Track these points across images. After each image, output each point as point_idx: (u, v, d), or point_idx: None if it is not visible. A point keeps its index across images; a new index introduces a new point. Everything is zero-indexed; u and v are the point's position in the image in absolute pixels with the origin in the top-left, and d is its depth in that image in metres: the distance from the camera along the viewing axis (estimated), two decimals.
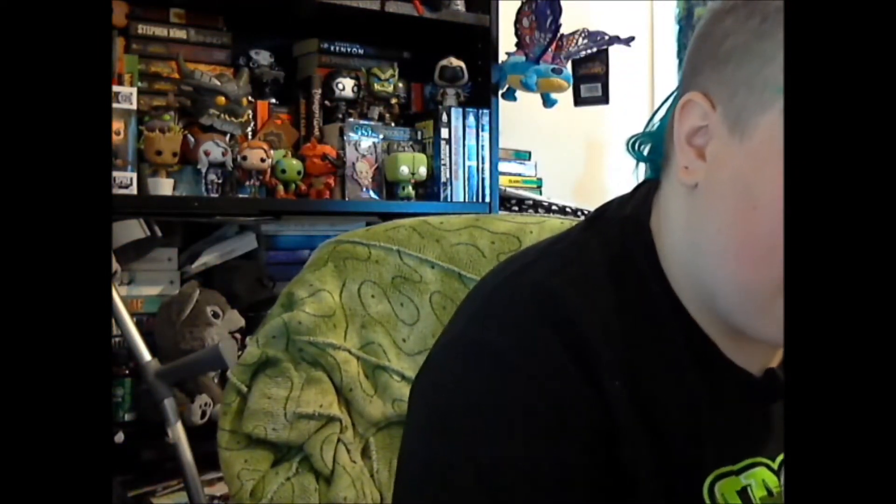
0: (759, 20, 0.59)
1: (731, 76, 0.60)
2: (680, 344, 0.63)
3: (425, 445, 0.61)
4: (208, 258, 1.93)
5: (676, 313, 0.64)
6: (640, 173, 0.73)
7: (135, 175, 1.74)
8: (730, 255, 0.60)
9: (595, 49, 2.21)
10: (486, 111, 2.15)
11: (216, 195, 1.84)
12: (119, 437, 1.67)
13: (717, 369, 0.64)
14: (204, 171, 1.82)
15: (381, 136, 2.06)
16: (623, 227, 0.67)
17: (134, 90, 1.77)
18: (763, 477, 0.63)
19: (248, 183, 1.88)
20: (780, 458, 0.64)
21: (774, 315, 0.58)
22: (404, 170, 2.02)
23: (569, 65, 2.19)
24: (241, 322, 1.86)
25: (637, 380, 0.60)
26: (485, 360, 0.60)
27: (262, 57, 2.01)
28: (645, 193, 0.69)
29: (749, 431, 0.64)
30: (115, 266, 1.77)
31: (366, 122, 2.06)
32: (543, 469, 0.57)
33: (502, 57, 2.20)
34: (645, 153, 0.70)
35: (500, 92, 2.20)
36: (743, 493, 0.62)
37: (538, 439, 0.57)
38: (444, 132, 2.10)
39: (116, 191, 1.71)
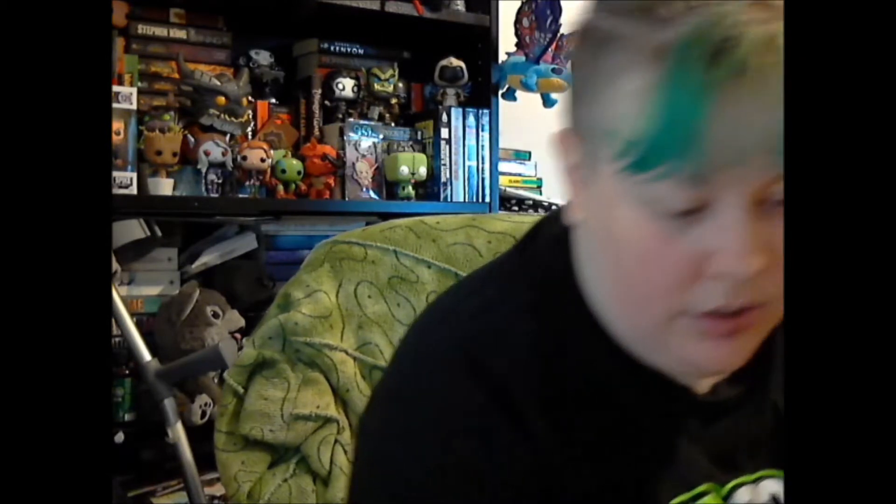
0: (591, 55, 0.56)
1: (581, 116, 0.58)
2: (611, 376, 0.61)
3: (357, 486, 0.63)
4: (208, 258, 1.93)
5: (603, 343, 0.61)
6: None
7: (135, 175, 1.74)
8: (613, 300, 0.60)
9: None
10: (486, 111, 2.15)
11: (216, 195, 1.84)
12: (119, 437, 1.67)
13: (653, 395, 0.62)
14: (204, 171, 1.82)
15: (381, 136, 2.06)
16: (550, 251, 0.65)
17: (134, 90, 1.77)
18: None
19: (248, 183, 1.89)
20: (729, 485, 0.62)
21: (667, 352, 0.58)
22: (404, 170, 2.02)
23: (569, 65, 2.18)
24: (241, 322, 1.86)
25: (566, 422, 0.59)
26: (409, 415, 0.60)
27: (262, 57, 2.01)
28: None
29: (695, 456, 0.61)
30: (115, 266, 1.77)
31: (366, 122, 2.06)
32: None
33: (502, 57, 2.19)
34: None
35: (500, 92, 2.20)
36: None
37: (467, 492, 0.57)
38: (444, 132, 2.10)
39: (116, 191, 1.71)
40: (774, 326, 0.59)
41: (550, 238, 0.67)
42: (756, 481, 0.63)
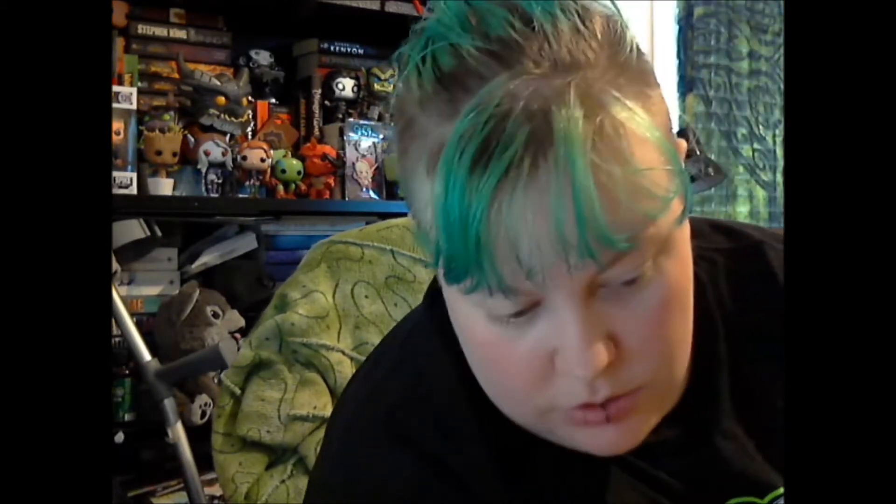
0: (405, 146, 0.50)
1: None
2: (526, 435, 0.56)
3: None
4: (208, 258, 1.93)
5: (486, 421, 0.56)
6: None
7: (135, 175, 1.74)
8: (487, 390, 0.54)
9: None
10: None
11: (216, 195, 1.84)
12: (119, 437, 1.67)
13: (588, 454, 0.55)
14: (204, 171, 1.82)
15: (381, 136, 2.06)
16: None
17: (134, 90, 1.77)
18: None
19: (248, 183, 1.89)
20: None
21: (554, 435, 0.53)
22: None
23: None
24: (241, 322, 1.86)
25: (504, 472, 0.55)
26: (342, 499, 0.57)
27: (262, 57, 2.01)
28: None
29: (644, 495, 0.56)
30: (115, 266, 1.77)
31: (366, 122, 2.06)
32: None
33: None
34: None
35: None
36: None
37: None
38: None
39: (116, 191, 1.71)
40: (707, 368, 0.57)
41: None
42: None
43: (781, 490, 0.57)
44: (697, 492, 0.57)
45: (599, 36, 0.48)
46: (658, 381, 0.52)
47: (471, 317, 0.50)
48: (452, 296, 0.51)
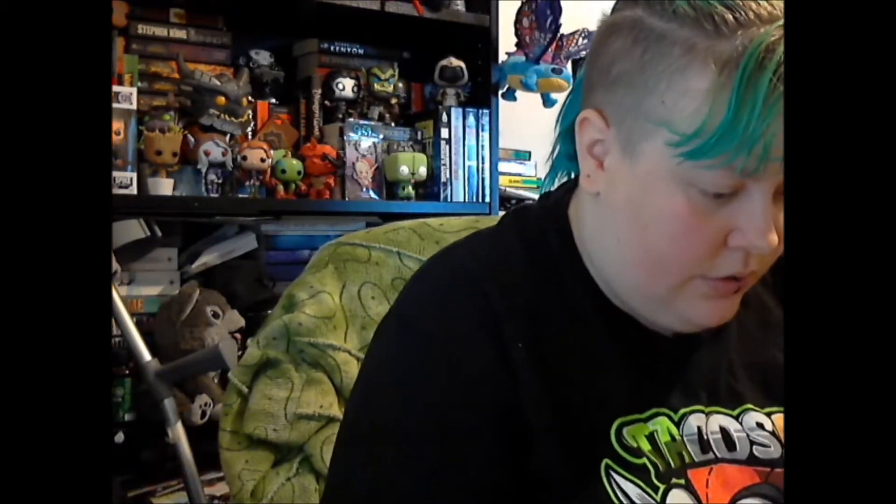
0: (642, 51, 0.63)
1: (620, 101, 0.65)
2: (587, 310, 0.70)
3: (355, 412, 0.70)
4: (208, 258, 1.93)
5: (586, 285, 0.71)
6: None
7: (135, 175, 1.74)
8: (627, 264, 0.68)
9: None
10: (486, 111, 2.15)
11: (216, 195, 1.84)
12: (119, 437, 1.67)
13: (624, 331, 0.71)
14: (204, 171, 1.82)
15: (381, 136, 2.06)
16: (543, 213, 0.75)
17: (134, 90, 1.77)
18: (666, 426, 0.69)
19: (248, 183, 1.89)
20: (682, 410, 0.70)
21: (670, 310, 0.68)
22: (404, 170, 2.02)
23: (569, 65, 2.19)
24: (241, 322, 1.86)
25: (541, 341, 0.67)
26: (408, 334, 0.69)
27: (262, 57, 2.01)
28: (570, 186, 0.76)
29: (655, 385, 0.70)
30: (115, 266, 1.77)
31: (366, 122, 2.06)
32: (455, 426, 0.65)
33: (502, 57, 2.20)
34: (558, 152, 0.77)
35: (500, 92, 2.20)
36: (651, 437, 0.68)
37: (451, 404, 0.65)
38: (444, 132, 2.10)
39: (116, 191, 1.71)
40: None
41: (542, 206, 0.76)
42: (708, 413, 0.70)
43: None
44: (697, 389, 0.71)
45: None
46: (762, 272, 0.67)
47: (668, 194, 0.63)
48: (646, 177, 0.63)
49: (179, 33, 1.90)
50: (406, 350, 0.68)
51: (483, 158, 2.16)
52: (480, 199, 2.15)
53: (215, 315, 1.81)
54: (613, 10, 0.68)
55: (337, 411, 0.93)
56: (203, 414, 1.74)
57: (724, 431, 0.70)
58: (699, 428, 0.69)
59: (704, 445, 0.69)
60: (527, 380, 0.66)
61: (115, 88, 1.74)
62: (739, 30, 0.59)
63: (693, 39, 0.60)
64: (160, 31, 1.88)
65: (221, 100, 1.83)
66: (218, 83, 1.83)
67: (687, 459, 0.67)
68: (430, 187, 2.11)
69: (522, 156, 2.42)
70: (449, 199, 2.10)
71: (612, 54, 0.65)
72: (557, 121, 0.76)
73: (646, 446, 0.67)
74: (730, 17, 0.60)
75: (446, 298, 0.69)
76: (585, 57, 0.71)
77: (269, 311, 0.96)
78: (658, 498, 0.65)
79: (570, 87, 0.76)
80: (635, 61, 0.63)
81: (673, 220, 0.63)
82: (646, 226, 0.65)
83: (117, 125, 1.72)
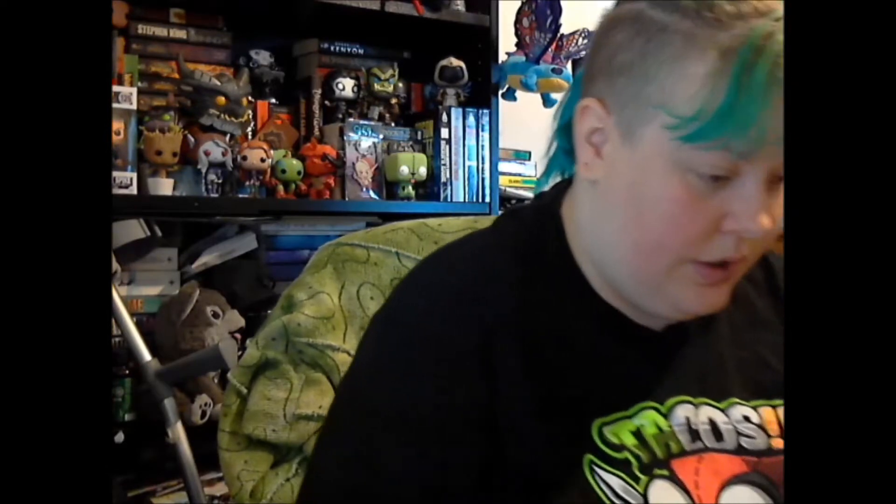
0: (644, 40, 0.65)
1: (621, 89, 0.67)
2: (576, 307, 0.73)
3: (337, 399, 0.74)
4: (208, 258, 1.93)
5: (576, 282, 0.73)
6: None
7: (135, 175, 1.74)
8: (625, 249, 0.69)
9: None
10: (486, 111, 2.15)
11: (216, 195, 1.84)
12: (119, 437, 1.67)
13: (613, 327, 0.73)
14: (204, 171, 1.82)
15: (381, 136, 2.06)
16: (536, 213, 0.78)
17: (134, 90, 1.77)
18: (654, 418, 0.70)
19: (248, 183, 1.89)
20: (670, 401, 0.72)
21: (662, 297, 0.69)
22: (404, 170, 2.02)
23: (569, 65, 2.19)
24: (241, 322, 1.86)
25: (528, 337, 0.69)
26: (392, 329, 0.72)
27: (262, 57, 2.01)
28: (563, 186, 0.78)
29: (643, 379, 0.72)
30: (115, 266, 1.77)
31: (366, 122, 2.06)
32: (434, 415, 0.67)
33: (502, 57, 2.20)
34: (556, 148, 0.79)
35: (500, 92, 2.20)
36: (636, 433, 0.69)
37: (433, 390, 0.67)
38: (444, 132, 2.10)
39: (116, 191, 1.71)
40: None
41: (536, 206, 0.79)
42: (697, 405, 0.72)
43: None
44: (686, 381, 0.73)
45: None
46: (751, 261, 0.69)
47: (664, 177, 0.65)
48: (644, 161, 0.66)
49: (179, 33, 1.90)
50: (388, 343, 0.71)
51: (483, 158, 2.16)
52: (480, 200, 2.15)
53: (215, 315, 1.81)
54: (616, 4, 0.70)
55: None
56: (203, 414, 1.74)
57: (712, 422, 0.72)
58: (688, 418, 0.71)
59: (693, 435, 0.71)
60: (513, 374, 0.68)
61: (115, 88, 1.74)
62: (739, 20, 0.62)
63: (694, 30, 0.63)
64: (160, 31, 1.88)
65: (221, 100, 1.83)
66: (218, 83, 1.83)
67: (675, 449, 0.69)
68: (430, 187, 2.11)
69: (522, 156, 2.42)
70: (449, 200, 2.10)
71: (614, 46, 0.68)
72: (555, 116, 0.78)
73: (630, 441, 0.69)
74: (730, 9, 0.62)
75: (434, 297, 0.71)
76: (587, 51, 0.74)
77: (269, 312, 0.96)
78: (640, 489, 0.67)
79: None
80: (637, 51, 0.66)
81: (670, 202, 0.65)
82: (643, 210, 0.67)
83: (117, 125, 1.72)
